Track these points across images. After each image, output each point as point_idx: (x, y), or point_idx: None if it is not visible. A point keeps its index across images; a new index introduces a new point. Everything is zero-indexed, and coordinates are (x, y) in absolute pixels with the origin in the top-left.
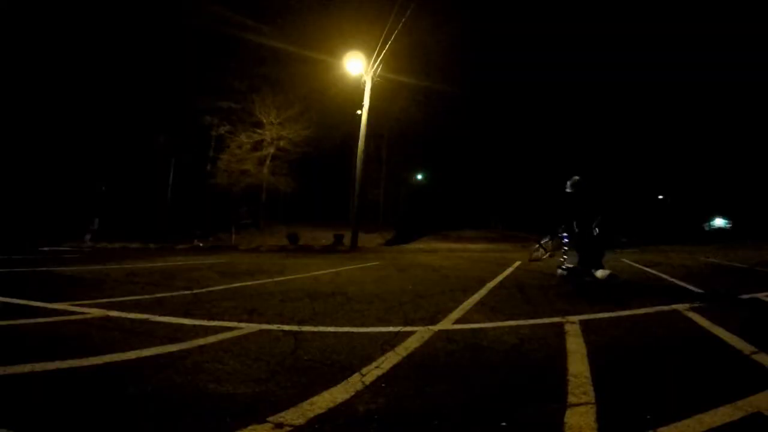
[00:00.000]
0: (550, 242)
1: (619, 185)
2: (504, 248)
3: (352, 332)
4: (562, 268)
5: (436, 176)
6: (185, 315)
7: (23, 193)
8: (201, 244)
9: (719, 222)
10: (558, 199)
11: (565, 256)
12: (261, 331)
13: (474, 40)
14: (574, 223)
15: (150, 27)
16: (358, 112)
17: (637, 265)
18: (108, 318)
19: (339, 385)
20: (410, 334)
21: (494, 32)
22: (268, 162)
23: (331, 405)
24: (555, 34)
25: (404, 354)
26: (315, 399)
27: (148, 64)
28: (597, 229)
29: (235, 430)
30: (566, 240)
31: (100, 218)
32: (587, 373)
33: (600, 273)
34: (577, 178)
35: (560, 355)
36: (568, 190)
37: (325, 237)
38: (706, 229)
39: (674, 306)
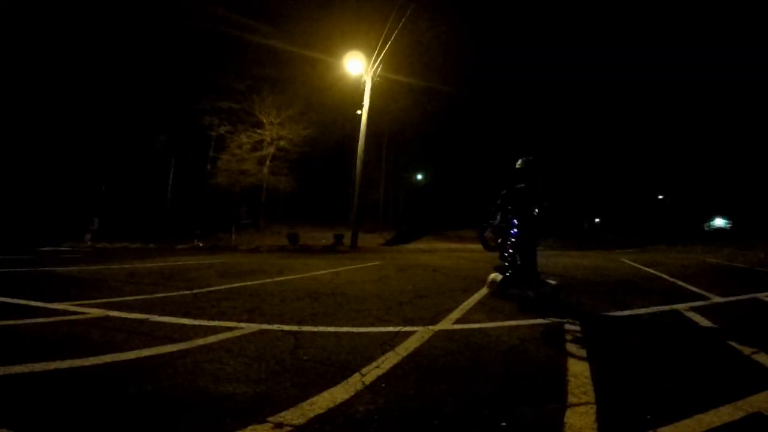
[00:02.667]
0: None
1: (619, 185)
2: None
3: (352, 332)
4: (499, 271)
5: (436, 176)
6: (185, 315)
7: (23, 192)
8: (201, 244)
9: (719, 222)
10: (507, 179)
11: (510, 251)
12: (261, 331)
13: (473, 40)
14: (510, 211)
15: (150, 27)
16: (358, 112)
17: (636, 264)
18: (108, 318)
19: (339, 385)
20: (410, 334)
21: (494, 32)
22: (268, 162)
23: (331, 405)
24: (555, 34)
25: (404, 354)
26: (315, 399)
27: (148, 64)
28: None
29: (235, 430)
30: (513, 233)
31: (100, 218)
32: (587, 373)
33: (547, 284)
34: (531, 157)
35: (560, 354)
36: (517, 165)
37: (325, 237)
38: (706, 229)
39: (674, 306)
